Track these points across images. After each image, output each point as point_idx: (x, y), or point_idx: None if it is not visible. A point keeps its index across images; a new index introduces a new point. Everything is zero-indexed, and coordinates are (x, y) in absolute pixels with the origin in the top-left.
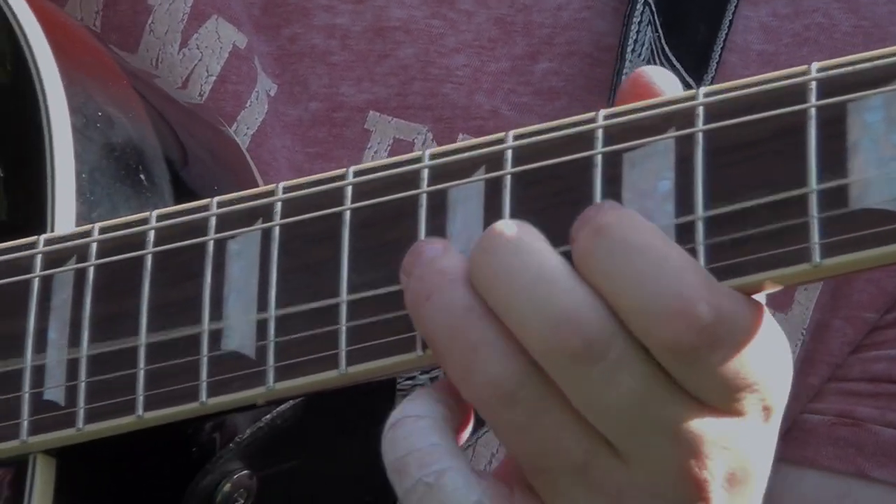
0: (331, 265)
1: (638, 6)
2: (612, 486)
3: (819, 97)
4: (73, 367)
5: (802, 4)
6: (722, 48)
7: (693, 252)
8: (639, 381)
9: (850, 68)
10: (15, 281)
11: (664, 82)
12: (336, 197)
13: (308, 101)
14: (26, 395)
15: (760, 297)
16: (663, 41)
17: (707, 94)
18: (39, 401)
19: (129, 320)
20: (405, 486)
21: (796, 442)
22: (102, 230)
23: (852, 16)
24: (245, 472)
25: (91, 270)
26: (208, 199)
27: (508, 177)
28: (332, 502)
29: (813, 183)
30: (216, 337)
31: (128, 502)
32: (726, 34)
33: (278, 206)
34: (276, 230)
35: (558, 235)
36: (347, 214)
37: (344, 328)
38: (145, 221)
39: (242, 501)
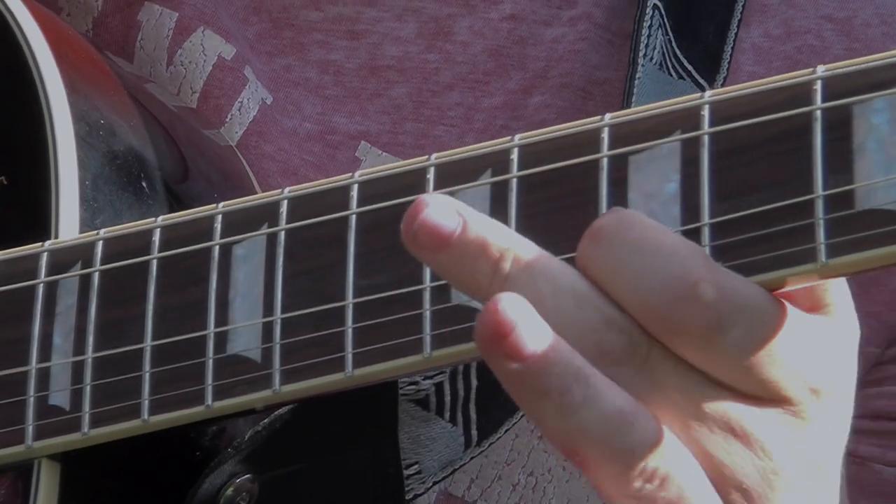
0: (336, 269)
1: (648, 10)
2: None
3: (824, 100)
4: (77, 371)
5: (794, 26)
6: (732, 48)
7: None
8: (676, 379)
9: (855, 68)
10: (20, 287)
11: None
12: (342, 201)
13: (302, 120)
14: (31, 400)
15: None
16: (674, 44)
17: (713, 97)
18: (44, 405)
19: (134, 325)
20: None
21: None
22: (107, 236)
23: (845, 38)
24: (247, 475)
25: (96, 276)
26: (214, 205)
27: (514, 180)
28: None
29: (819, 185)
30: (222, 341)
31: None
32: (736, 33)
33: (284, 210)
34: (282, 234)
35: (565, 238)
36: (353, 218)
37: (350, 331)
38: (151, 227)
39: None
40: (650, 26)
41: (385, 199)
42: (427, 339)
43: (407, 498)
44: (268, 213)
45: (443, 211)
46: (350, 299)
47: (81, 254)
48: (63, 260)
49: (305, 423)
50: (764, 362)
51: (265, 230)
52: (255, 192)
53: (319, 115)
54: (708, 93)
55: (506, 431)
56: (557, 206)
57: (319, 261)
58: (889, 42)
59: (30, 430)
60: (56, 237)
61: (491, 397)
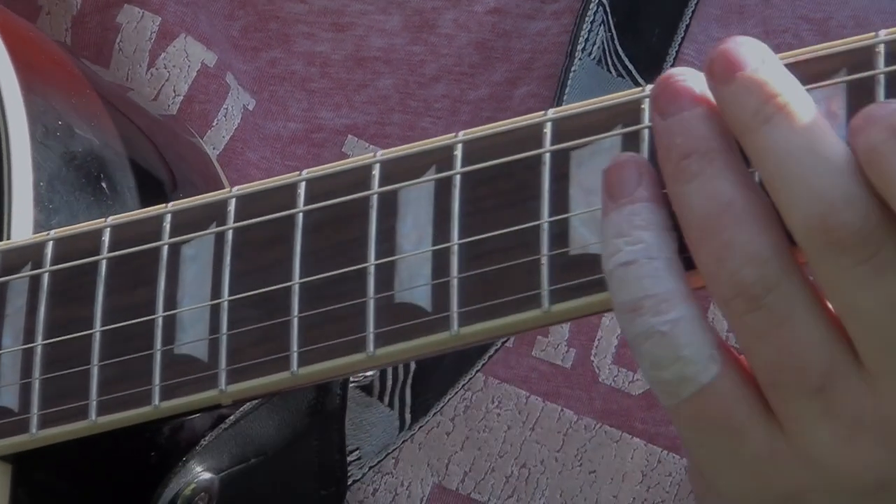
0: (283, 267)
1: (591, 6)
2: (850, 413)
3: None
4: (26, 372)
5: (772, 24)
6: (677, 52)
7: None
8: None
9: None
10: None
11: None
12: (289, 199)
13: (286, 121)
14: None
15: None
16: (616, 42)
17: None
18: None
19: (83, 326)
20: (636, 331)
21: None
22: (57, 237)
23: (822, 38)
24: (206, 475)
25: (46, 277)
26: (163, 205)
27: (458, 176)
28: (289, 497)
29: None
30: (169, 341)
31: None
32: (682, 37)
33: (232, 209)
34: (230, 233)
35: (509, 234)
36: (300, 217)
37: (295, 330)
38: (100, 227)
39: None
40: (592, 21)
41: (331, 196)
42: (370, 338)
43: (347, 484)
44: (216, 212)
45: (751, 47)
46: (295, 298)
47: (31, 255)
48: (13, 261)
49: (265, 416)
50: None
51: (213, 229)
52: None
53: (305, 112)
54: (648, 87)
55: (434, 414)
56: (501, 201)
57: (266, 259)
58: None
59: None
60: (8, 239)
61: (425, 380)
